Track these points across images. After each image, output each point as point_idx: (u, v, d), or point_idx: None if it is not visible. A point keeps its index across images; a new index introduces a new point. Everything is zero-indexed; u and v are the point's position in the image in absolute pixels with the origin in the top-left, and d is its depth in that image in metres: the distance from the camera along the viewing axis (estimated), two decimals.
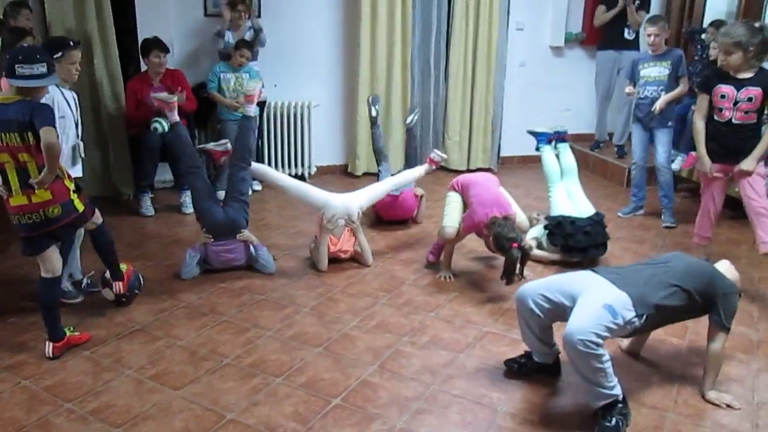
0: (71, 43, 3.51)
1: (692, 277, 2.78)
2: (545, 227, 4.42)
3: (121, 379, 2.92)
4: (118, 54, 5.35)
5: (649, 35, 5.00)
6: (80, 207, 3.07)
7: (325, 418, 2.69)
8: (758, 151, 3.84)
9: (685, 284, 2.74)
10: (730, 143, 3.89)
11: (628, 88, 5.19)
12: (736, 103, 3.81)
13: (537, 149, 4.81)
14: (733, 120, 3.85)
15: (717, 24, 5.61)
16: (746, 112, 3.82)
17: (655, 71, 5.03)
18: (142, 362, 3.06)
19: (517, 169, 6.99)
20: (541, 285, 2.87)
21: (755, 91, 3.77)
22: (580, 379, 2.61)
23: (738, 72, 3.80)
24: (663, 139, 5.11)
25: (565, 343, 2.54)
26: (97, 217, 3.31)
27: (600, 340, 2.50)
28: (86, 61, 5.24)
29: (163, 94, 4.30)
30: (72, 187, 3.05)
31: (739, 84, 3.80)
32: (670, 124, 5.12)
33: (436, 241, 4.31)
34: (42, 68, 2.85)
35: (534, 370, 3.01)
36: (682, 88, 5.01)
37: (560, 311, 2.75)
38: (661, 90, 4.98)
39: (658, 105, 4.93)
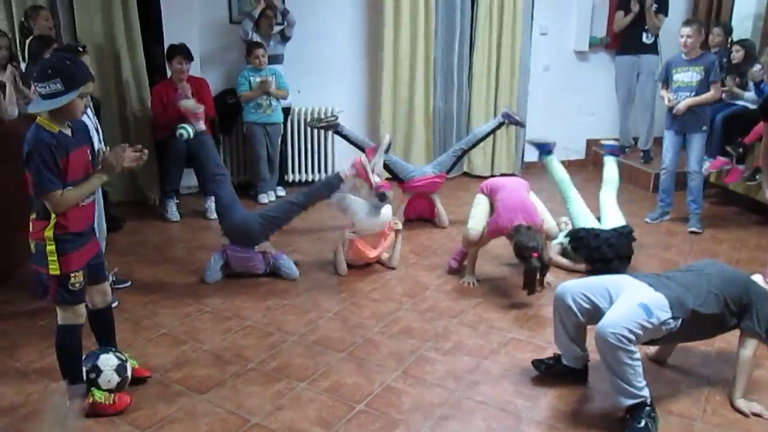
0: (79, 49, 3.46)
1: (728, 285, 2.77)
2: (568, 241, 4.37)
3: (147, 383, 2.94)
4: (144, 58, 5.42)
5: (682, 36, 4.88)
6: (53, 268, 2.52)
7: (349, 423, 2.69)
8: None
9: (721, 291, 2.73)
10: None
11: (666, 97, 4.99)
12: None
13: (541, 159, 4.91)
14: None
15: (741, 43, 5.58)
16: None
17: (687, 76, 4.91)
18: (167, 366, 3.09)
19: (540, 174, 6.90)
20: (581, 284, 2.88)
21: None
22: (609, 374, 2.60)
23: None
24: (696, 143, 4.99)
25: (597, 337, 2.56)
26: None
27: (632, 336, 2.51)
28: (113, 66, 5.34)
29: (190, 103, 4.28)
30: (50, 233, 2.50)
31: None
32: (704, 128, 4.99)
33: (459, 248, 4.29)
34: (56, 85, 2.42)
35: (561, 373, 2.98)
36: (713, 93, 4.87)
37: (597, 312, 2.74)
38: (693, 95, 4.87)
39: (680, 106, 4.85)
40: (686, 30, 4.88)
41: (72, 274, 2.56)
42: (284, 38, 5.78)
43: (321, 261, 4.44)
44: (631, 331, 2.51)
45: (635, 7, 6.16)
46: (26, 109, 4.14)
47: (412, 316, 3.66)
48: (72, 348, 2.66)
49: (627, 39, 6.39)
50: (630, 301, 2.63)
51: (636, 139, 6.70)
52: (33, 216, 2.56)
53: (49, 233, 2.51)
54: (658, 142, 6.61)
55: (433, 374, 3.07)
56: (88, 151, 2.67)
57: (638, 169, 6.46)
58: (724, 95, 5.37)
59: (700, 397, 2.90)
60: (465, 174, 6.78)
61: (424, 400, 2.86)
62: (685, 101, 4.87)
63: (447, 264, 4.33)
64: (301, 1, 5.95)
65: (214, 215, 5.24)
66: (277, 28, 5.73)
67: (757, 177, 5.00)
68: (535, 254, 3.55)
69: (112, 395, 2.74)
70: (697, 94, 4.87)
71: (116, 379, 2.77)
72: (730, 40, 5.96)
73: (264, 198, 5.75)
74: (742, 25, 6.60)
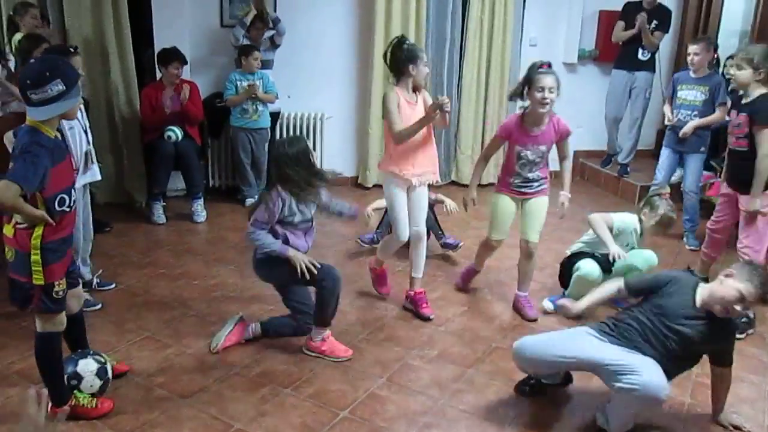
0: (71, 50, 3.40)
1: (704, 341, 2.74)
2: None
3: (130, 386, 2.93)
4: (134, 61, 5.41)
5: (689, 54, 4.86)
6: (37, 278, 2.42)
7: (333, 430, 2.69)
8: (754, 188, 3.59)
9: (697, 347, 2.72)
10: (730, 168, 3.84)
11: (666, 115, 4.99)
12: (736, 126, 3.70)
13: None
14: (729, 145, 3.78)
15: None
16: (737, 138, 3.69)
17: (691, 95, 4.88)
18: (151, 370, 3.08)
19: None
20: (539, 352, 2.76)
21: (743, 117, 3.63)
22: (617, 413, 2.64)
23: (745, 93, 3.68)
24: (694, 164, 5.02)
25: (637, 393, 2.49)
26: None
27: None
28: (102, 67, 5.31)
29: None
30: (37, 242, 2.40)
31: (740, 108, 3.70)
32: (702, 149, 5.00)
33: (466, 267, 4.20)
34: (58, 86, 2.30)
35: (545, 390, 3.00)
36: (719, 114, 4.79)
37: (561, 370, 2.85)
38: (695, 115, 4.85)
39: (685, 129, 4.83)
40: (693, 48, 4.83)
41: (56, 283, 2.49)
42: (274, 45, 5.78)
43: None
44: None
45: (636, 28, 6.11)
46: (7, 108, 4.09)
47: (398, 324, 3.67)
48: (52, 356, 2.62)
49: (623, 54, 6.33)
50: (650, 362, 2.58)
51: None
52: (16, 221, 2.41)
53: (36, 241, 2.40)
54: (640, 155, 6.68)
55: (418, 382, 3.08)
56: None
57: (624, 180, 6.50)
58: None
59: (680, 410, 2.93)
60: (453, 183, 6.80)
61: (408, 408, 2.86)
62: (690, 123, 4.83)
63: (455, 283, 4.25)
64: (293, 7, 5.96)
65: (201, 218, 5.26)
66: (267, 34, 5.73)
67: None
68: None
69: (95, 399, 2.72)
70: (700, 114, 4.84)
71: (98, 383, 2.75)
72: (716, 56, 6.01)
73: (251, 202, 5.74)
74: (729, 42, 6.68)
